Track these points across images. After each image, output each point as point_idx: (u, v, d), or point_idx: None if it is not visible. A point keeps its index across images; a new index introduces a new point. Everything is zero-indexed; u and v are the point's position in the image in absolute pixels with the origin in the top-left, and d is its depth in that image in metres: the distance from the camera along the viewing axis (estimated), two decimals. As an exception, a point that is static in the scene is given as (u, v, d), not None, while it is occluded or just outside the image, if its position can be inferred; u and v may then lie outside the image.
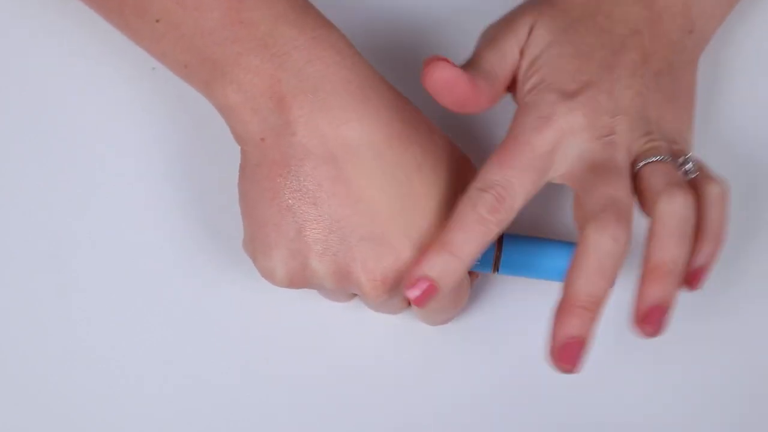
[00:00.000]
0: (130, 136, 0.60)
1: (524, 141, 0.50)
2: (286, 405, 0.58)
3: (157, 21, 0.51)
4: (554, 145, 0.50)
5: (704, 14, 0.55)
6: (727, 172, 0.53)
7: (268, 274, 0.52)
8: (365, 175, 0.50)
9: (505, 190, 0.49)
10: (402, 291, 0.51)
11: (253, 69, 0.50)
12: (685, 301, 0.58)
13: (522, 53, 0.53)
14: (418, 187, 0.51)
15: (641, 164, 0.51)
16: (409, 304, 0.54)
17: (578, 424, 0.58)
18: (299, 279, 0.51)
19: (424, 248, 0.50)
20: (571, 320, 0.48)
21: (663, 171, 0.50)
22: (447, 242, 0.49)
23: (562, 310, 0.48)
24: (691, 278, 0.51)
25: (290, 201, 0.50)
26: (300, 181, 0.50)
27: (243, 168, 0.52)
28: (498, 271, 0.54)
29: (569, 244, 0.54)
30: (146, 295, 0.59)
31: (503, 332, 0.58)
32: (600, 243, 0.48)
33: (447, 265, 0.49)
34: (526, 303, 0.58)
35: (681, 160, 0.51)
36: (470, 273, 0.55)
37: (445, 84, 0.51)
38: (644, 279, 0.49)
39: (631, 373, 0.58)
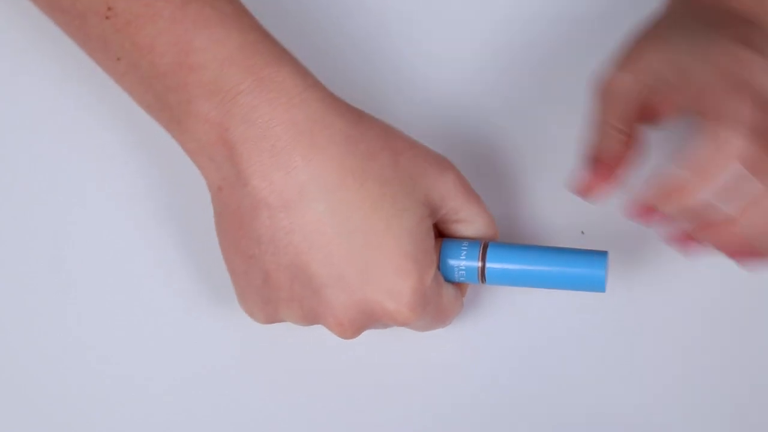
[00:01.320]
0: (131, 136, 0.59)
1: (744, 81, 0.48)
2: (285, 404, 0.58)
3: (118, 59, 0.50)
4: (764, 83, 0.48)
5: None
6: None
7: (248, 314, 0.53)
8: (318, 221, 0.49)
9: (748, 124, 0.47)
10: (379, 320, 0.51)
11: (202, 117, 0.49)
12: (684, 302, 0.59)
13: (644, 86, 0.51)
14: (376, 224, 0.50)
15: None
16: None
17: (577, 424, 0.58)
18: (276, 320, 0.53)
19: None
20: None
21: None
22: (687, 185, 0.48)
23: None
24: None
25: (252, 251, 0.50)
26: (257, 231, 0.50)
27: (214, 214, 0.52)
28: (485, 281, 0.54)
29: (561, 250, 0.54)
30: (147, 297, 0.58)
31: (503, 331, 0.58)
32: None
33: (681, 204, 0.48)
34: (521, 304, 0.58)
35: None
36: (459, 285, 0.55)
37: (600, 193, 0.51)
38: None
39: (631, 373, 0.58)
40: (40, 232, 0.59)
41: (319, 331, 0.57)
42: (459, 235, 0.54)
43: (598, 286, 0.53)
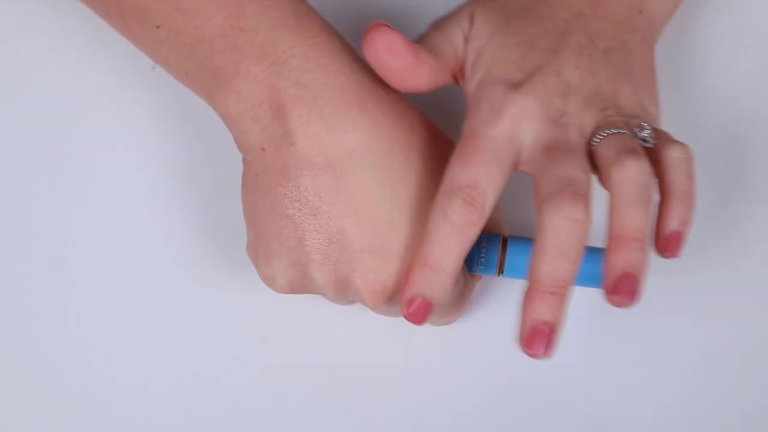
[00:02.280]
0: (131, 136, 0.60)
1: (481, 135, 0.49)
2: (285, 404, 0.58)
3: (158, 27, 0.50)
4: (511, 134, 0.49)
5: None
6: (698, 143, 0.52)
7: (268, 281, 0.52)
8: (364, 186, 0.50)
9: (473, 190, 0.48)
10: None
11: (252, 77, 0.50)
12: (685, 302, 0.59)
13: (466, 42, 0.52)
14: (418, 197, 0.51)
15: (596, 140, 0.50)
16: None
17: (577, 424, 0.58)
18: (299, 287, 0.52)
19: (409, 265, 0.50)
20: (539, 306, 0.47)
21: (616, 142, 0.49)
22: (426, 258, 0.49)
23: (528, 297, 0.48)
24: (667, 245, 0.49)
25: (290, 211, 0.50)
26: (300, 191, 0.50)
27: (245, 177, 0.52)
28: (503, 273, 0.54)
29: None
30: (147, 297, 0.59)
31: (503, 332, 0.58)
32: (557, 225, 0.47)
33: (432, 281, 0.49)
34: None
35: (636, 129, 0.50)
36: (473, 275, 0.55)
37: (387, 48, 0.50)
38: (609, 249, 0.48)
39: (630, 373, 0.58)
40: (40, 232, 0.59)
41: (319, 331, 0.58)
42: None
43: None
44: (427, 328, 0.57)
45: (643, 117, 0.51)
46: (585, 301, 0.58)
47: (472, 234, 0.48)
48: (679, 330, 0.58)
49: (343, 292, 0.51)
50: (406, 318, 0.49)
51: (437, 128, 0.54)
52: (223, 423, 0.58)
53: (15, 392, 0.58)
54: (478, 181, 0.48)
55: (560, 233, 0.47)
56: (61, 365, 0.58)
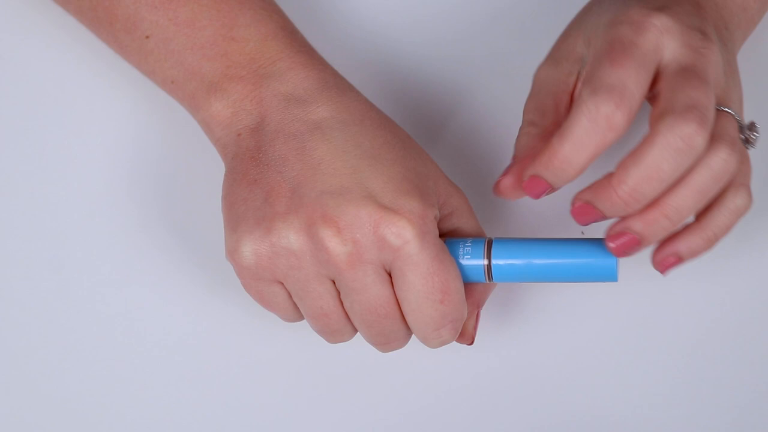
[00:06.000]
0: (131, 138, 0.60)
1: (629, 42, 0.47)
2: (285, 404, 0.58)
3: (147, 37, 0.53)
4: (656, 44, 0.48)
5: (733, 16, 0.54)
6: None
7: (234, 249, 0.51)
8: (330, 144, 0.51)
9: (623, 92, 0.46)
10: (375, 236, 0.49)
11: (237, 78, 0.52)
12: (687, 302, 0.58)
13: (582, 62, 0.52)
14: (385, 155, 0.51)
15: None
16: (392, 291, 0.51)
17: (577, 424, 0.58)
18: (265, 254, 0.50)
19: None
20: (613, 203, 0.47)
21: (727, 124, 0.49)
22: (557, 151, 0.47)
23: (600, 190, 0.47)
24: (664, 261, 0.50)
25: (258, 175, 0.51)
26: (268, 156, 0.51)
27: (225, 172, 0.53)
28: (492, 279, 0.53)
29: (567, 241, 0.52)
30: (147, 296, 0.59)
31: (503, 333, 0.58)
32: (670, 142, 0.46)
33: (554, 172, 0.48)
34: (524, 307, 0.58)
35: (748, 125, 0.50)
36: (470, 294, 0.54)
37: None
38: (645, 209, 0.47)
39: (629, 373, 0.58)
40: (40, 232, 0.59)
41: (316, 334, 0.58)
42: (452, 227, 0.54)
43: (610, 275, 0.51)
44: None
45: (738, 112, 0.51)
46: (585, 302, 0.58)
47: (612, 138, 0.46)
48: (680, 329, 0.58)
49: (310, 245, 0.50)
50: (524, 188, 0.49)
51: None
52: (223, 423, 0.58)
53: (15, 392, 0.58)
54: (627, 84, 0.46)
55: (668, 150, 0.46)
56: (60, 365, 0.58)
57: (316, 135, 0.51)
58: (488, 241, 0.52)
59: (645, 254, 0.57)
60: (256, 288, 0.52)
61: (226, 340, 0.58)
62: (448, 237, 0.53)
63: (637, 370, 0.58)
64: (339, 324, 0.52)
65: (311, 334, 0.56)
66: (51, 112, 0.60)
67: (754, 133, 0.51)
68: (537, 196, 0.49)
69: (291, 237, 0.50)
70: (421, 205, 0.50)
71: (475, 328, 0.54)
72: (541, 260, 0.51)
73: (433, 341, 0.52)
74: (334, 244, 0.49)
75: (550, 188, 0.49)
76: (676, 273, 0.58)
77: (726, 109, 0.50)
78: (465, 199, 0.54)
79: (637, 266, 0.58)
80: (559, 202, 0.58)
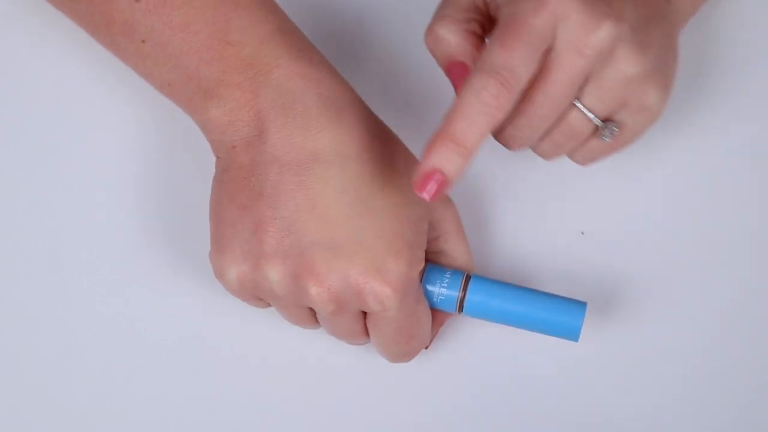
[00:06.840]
0: (131, 138, 0.60)
1: (524, 22, 0.48)
2: (283, 404, 0.58)
3: (143, 41, 0.52)
4: (552, 26, 0.48)
5: None
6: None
7: (219, 274, 0.52)
8: (326, 184, 0.50)
9: (510, 73, 0.48)
10: (358, 298, 0.51)
11: (235, 85, 0.51)
12: (688, 302, 0.58)
13: None
14: (381, 203, 0.51)
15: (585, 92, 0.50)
16: (364, 326, 0.53)
17: (576, 423, 0.58)
18: (249, 284, 0.52)
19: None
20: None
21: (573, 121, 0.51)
22: (449, 131, 0.47)
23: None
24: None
25: (249, 202, 0.50)
26: (262, 184, 0.50)
27: (215, 175, 0.53)
28: (462, 311, 0.54)
29: (541, 294, 0.54)
30: (147, 296, 0.59)
31: (499, 334, 0.58)
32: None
33: (451, 155, 0.47)
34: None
35: (605, 128, 0.51)
36: (435, 315, 0.55)
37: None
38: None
39: (627, 373, 0.58)
40: (40, 232, 0.59)
41: (313, 332, 0.58)
42: (438, 249, 0.55)
43: (573, 335, 0.53)
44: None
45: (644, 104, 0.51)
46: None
47: (499, 116, 0.48)
48: (679, 330, 0.58)
49: (292, 288, 0.51)
50: (418, 191, 0.48)
51: (403, 144, 0.54)
52: (223, 423, 0.58)
53: (14, 392, 0.58)
54: (515, 66, 0.48)
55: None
56: (60, 365, 0.58)
57: (313, 170, 0.50)
58: (466, 277, 0.54)
59: (652, 257, 0.57)
60: (245, 300, 0.54)
61: (226, 340, 0.58)
62: (431, 263, 0.55)
63: (637, 370, 0.58)
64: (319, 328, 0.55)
65: (311, 333, 0.57)
66: (51, 112, 0.60)
67: (606, 130, 0.52)
68: (433, 196, 0.48)
69: (275, 280, 0.51)
70: (407, 268, 0.51)
71: (433, 338, 0.56)
72: (512, 306, 0.53)
73: (392, 362, 0.56)
74: (318, 298, 0.51)
75: (445, 180, 0.48)
76: (677, 273, 0.58)
77: (581, 107, 0.51)
78: (456, 221, 0.55)
79: (637, 266, 0.58)
80: (559, 204, 0.59)
